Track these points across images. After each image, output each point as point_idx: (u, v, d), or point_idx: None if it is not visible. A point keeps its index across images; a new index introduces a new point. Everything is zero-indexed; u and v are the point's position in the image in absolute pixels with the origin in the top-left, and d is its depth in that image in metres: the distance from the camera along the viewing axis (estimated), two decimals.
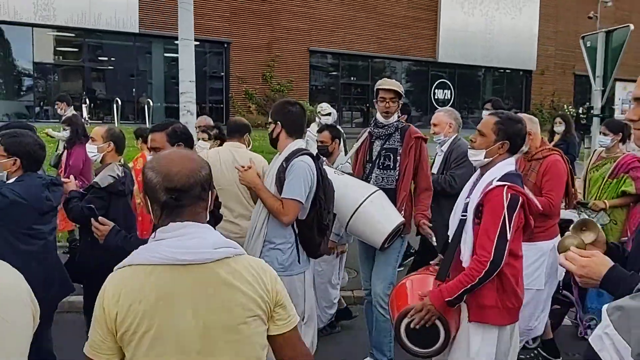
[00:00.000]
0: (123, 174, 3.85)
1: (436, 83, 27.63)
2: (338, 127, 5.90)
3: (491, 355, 2.94)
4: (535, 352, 4.58)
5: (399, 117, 4.36)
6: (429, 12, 26.82)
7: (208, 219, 1.75)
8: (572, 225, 2.03)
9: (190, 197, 1.67)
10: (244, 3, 22.88)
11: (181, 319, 1.61)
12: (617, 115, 31.73)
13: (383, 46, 25.91)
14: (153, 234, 1.71)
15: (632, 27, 6.21)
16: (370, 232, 3.97)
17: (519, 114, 3.88)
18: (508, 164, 2.95)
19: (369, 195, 3.94)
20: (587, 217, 4.82)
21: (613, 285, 1.73)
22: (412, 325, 2.88)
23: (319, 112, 7.70)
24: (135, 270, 1.64)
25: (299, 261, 3.39)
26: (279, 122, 3.41)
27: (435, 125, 4.95)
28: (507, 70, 29.95)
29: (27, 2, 19.00)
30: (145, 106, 18.89)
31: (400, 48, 26.32)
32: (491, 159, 2.97)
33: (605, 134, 4.95)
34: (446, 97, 28.08)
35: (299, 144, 3.44)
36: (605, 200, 4.80)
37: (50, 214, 3.47)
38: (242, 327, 1.68)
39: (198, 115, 7.25)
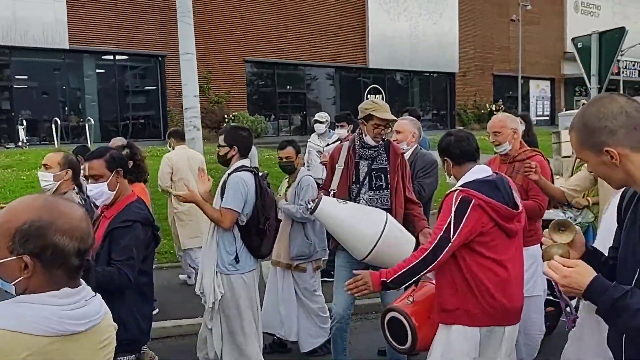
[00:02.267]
0: (83, 202, 3.62)
1: (368, 89, 28.33)
2: None
3: (464, 357, 3.02)
4: None
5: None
6: (357, 19, 27.43)
7: None
8: (550, 225, 2.01)
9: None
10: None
11: None
12: (533, 110, 33.92)
13: (316, 54, 26.21)
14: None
15: (627, 28, 6.69)
16: (396, 254, 3.57)
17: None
18: (474, 173, 3.09)
19: (386, 219, 3.78)
20: (572, 215, 5.00)
21: (596, 296, 1.77)
22: (345, 290, 3.11)
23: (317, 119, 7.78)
24: (28, 343, 1.36)
25: (240, 261, 3.95)
26: (235, 147, 4.03)
27: (398, 132, 4.81)
28: (432, 74, 31.14)
29: None
30: (86, 125, 17.98)
31: (332, 55, 26.73)
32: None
33: None
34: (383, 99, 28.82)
35: (243, 161, 4.04)
36: (589, 198, 4.77)
37: None
38: None
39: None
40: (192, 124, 6.74)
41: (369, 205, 4.05)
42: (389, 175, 4.11)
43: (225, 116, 22.28)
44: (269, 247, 4.15)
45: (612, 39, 6.76)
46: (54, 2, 19.35)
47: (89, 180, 3.21)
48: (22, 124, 15.50)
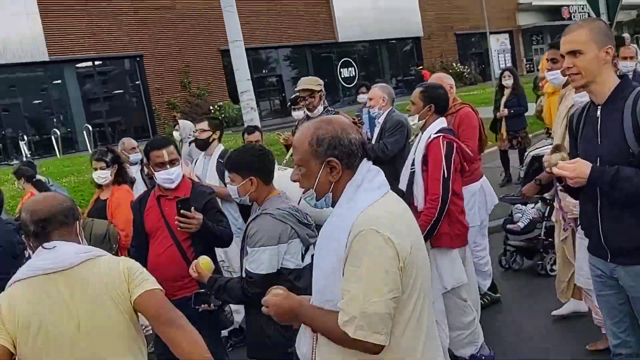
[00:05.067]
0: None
1: (340, 62, 28.94)
2: None
3: (463, 270, 3.68)
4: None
5: (325, 107, 5.04)
6: None
7: (81, 240, 2.23)
8: (551, 148, 2.63)
9: (53, 224, 2.11)
10: (150, 13, 22.49)
11: (58, 315, 2.03)
12: (495, 64, 34.92)
13: (287, 35, 26.61)
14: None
15: None
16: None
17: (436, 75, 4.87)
18: (440, 123, 3.72)
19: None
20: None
21: (598, 176, 2.38)
22: None
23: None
24: (19, 285, 2.08)
25: None
26: (218, 131, 4.51)
27: (370, 99, 5.21)
28: (399, 40, 31.84)
29: None
30: (52, 137, 18.05)
31: (302, 35, 27.14)
32: (424, 120, 3.76)
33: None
34: (351, 74, 29.50)
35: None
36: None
37: (21, 257, 3.59)
38: (107, 312, 2.09)
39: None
40: (249, 105, 7.36)
41: None
42: None
43: (211, 107, 22.56)
44: None
45: None
46: (28, 15, 19.30)
47: (168, 166, 3.44)
48: (23, 139, 15.62)
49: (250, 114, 7.20)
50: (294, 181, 2.00)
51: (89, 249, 2.17)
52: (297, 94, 5.30)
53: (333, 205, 1.96)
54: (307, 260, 2.78)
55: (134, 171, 5.39)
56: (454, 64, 32.49)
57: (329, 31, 28.24)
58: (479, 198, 4.68)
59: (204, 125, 4.97)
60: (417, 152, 3.72)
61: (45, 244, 2.09)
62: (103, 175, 4.54)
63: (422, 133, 3.77)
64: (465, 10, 33.98)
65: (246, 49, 7.94)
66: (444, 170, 3.51)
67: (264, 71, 27.00)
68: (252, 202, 2.95)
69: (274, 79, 27.38)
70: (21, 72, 20.01)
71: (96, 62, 21.99)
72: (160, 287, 2.19)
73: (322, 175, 1.91)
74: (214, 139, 4.96)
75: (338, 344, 1.82)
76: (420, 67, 21.82)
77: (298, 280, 2.73)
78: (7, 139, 19.31)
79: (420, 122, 3.77)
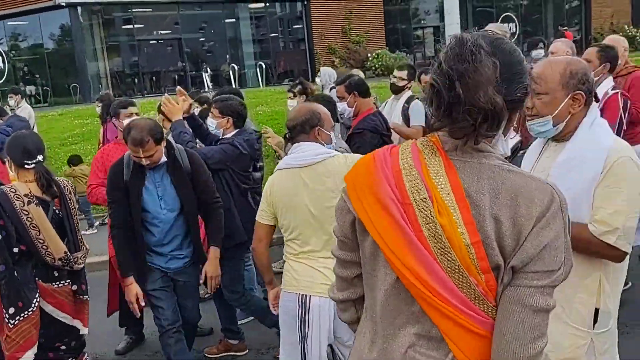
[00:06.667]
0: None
1: (502, 16, 27.97)
2: None
3: None
4: None
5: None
6: None
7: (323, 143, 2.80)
8: None
9: (297, 131, 2.76)
10: None
11: (298, 199, 2.69)
12: None
13: None
14: None
15: None
16: None
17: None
18: (610, 81, 4.14)
19: None
20: None
21: None
22: None
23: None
24: (278, 174, 2.80)
25: None
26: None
27: (552, 53, 5.33)
28: None
29: None
30: (257, 70, 19.41)
31: None
32: (597, 78, 3.93)
33: None
34: (512, 31, 28.43)
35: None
36: None
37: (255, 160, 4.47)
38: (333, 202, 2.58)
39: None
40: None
41: None
42: None
43: (369, 54, 23.04)
44: None
45: None
46: None
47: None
48: (207, 71, 17.22)
49: None
50: (527, 108, 2.12)
51: (327, 151, 2.74)
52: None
53: (556, 136, 2.19)
54: None
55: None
56: (626, 26, 30.08)
57: None
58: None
59: (403, 74, 5.67)
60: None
61: (295, 144, 2.78)
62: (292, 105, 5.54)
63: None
64: None
65: None
66: (621, 119, 3.94)
67: (422, 22, 26.91)
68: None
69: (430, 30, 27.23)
70: (202, 9, 21.69)
71: (267, 4, 23.20)
72: None
73: (565, 104, 2.11)
74: (407, 87, 5.67)
75: (581, 250, 2.02)
76: (565, 28, 21.06)
77: None
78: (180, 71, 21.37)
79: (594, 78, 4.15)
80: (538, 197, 1.31)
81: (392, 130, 4.96)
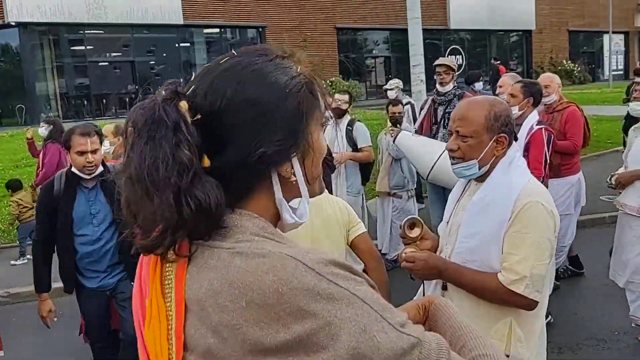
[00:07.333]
0: None
1: (449, 49, 29.05)
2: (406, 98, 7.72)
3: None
4: (564, 267, 5.56)
5: (454, 86, 5.70)
6: None
7: None
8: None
9: None
10: None
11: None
12: (606, 65, 33.79)
13: (403, 18, 26.91)
14: None
15: None
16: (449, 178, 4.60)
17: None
18: (536, 115, 4.33)
19: (443, 150, 4.91)
20: None
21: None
22: None
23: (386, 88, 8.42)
24: None
25: None
26: None
27: (500, 86, 5.79)
28: (510, 32, 31.48)
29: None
30: None
31: None
32: (521, 112, 4.29)
33: None
34: (458, 62, 29.54)
35: None
36: None
37: None
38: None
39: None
40: (419, 78, 8.09)
41: (443, 141, 4.95)
42: None
43: (324, 82, 23.38)
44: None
45: None
46: None
47: None
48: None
49: (419, 86, 7.91)
50: (450, 150, 2.13)
51: None
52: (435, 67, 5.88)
53: (479, 177, 2.13)
54: None
55: None
56: (564, 61, 31.78)
57: (442, 17, 28.35)
58: (575, 190, 5.16)
59: (346, 97, 6.01)
60: (519, 139, 4.09)
61: None
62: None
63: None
64: (582, 6, 33.03)
65: (363, 29, 8.53)
66: (544, 159, 4.15)
67: (373, 52, 27.58)
68: None
69: (381, 60, 27.92)
70: (156, 33, 21.59)
71: (222, 29, 23.32)
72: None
73: (489, 148, 2.07)
74: (347, 111, 6.02)
75: (490, 299, 2.02)
76: (498, 62, 22.29)
77: None
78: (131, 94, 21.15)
79: (518, 112, 4.39)
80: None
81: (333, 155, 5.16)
